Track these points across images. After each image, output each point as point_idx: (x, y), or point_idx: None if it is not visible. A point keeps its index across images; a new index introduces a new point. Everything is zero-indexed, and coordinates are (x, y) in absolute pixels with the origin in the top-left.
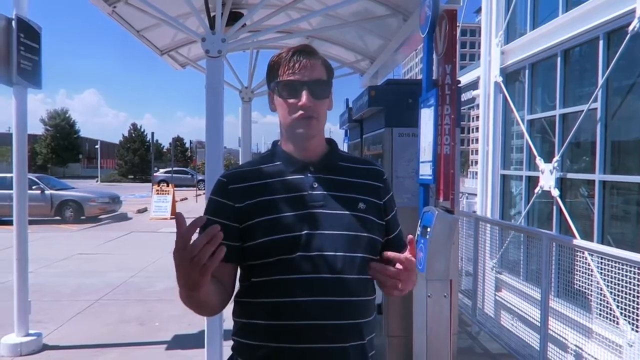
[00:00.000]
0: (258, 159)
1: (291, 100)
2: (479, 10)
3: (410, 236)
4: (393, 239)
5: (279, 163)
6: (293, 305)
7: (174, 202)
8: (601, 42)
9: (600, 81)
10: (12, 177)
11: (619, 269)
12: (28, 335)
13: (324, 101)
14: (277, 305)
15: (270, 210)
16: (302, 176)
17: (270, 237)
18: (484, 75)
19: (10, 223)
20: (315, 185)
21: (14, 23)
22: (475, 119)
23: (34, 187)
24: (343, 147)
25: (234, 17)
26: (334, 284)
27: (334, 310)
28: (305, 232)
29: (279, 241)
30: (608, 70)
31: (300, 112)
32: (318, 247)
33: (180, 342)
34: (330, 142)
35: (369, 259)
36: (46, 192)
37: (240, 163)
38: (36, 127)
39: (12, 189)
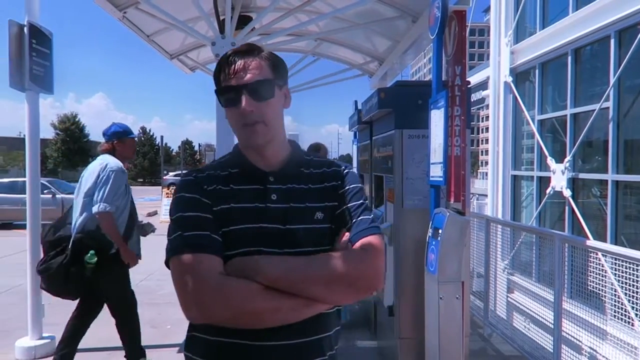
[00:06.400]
0: (218, 164)
1: (232, 108)
2: (487, 10)
3: None
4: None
5: (237, 170)
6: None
7: None
8: (612, 41)
9: (612, 80)
10: (23, 181)
11: (633, 270)
12: (42, 338)
13: (269, 102)
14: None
15: (234, 221)
16: (262, 187)
17: (227, 251)
18: (494, 75)
19: (22, 227)
20: (274, 197)
21: (25, 29)
22: (484, 119)
23: (45, 191)
24: (352, 149)
25: (243, 21)
26: None
27: (283, 328)
28: (257, 248)
29: (231, 257)
30: (620, 69)
31: (243, 120)
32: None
33: None
34: (292, 145)
35: None
36: (57, 196)
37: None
38: (46, 132)
39: (23, 193)
